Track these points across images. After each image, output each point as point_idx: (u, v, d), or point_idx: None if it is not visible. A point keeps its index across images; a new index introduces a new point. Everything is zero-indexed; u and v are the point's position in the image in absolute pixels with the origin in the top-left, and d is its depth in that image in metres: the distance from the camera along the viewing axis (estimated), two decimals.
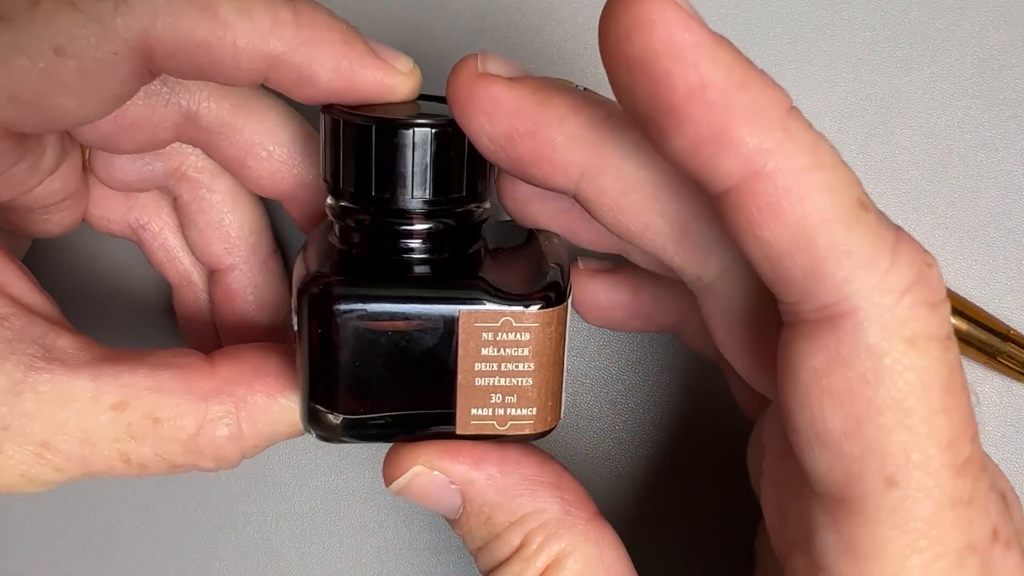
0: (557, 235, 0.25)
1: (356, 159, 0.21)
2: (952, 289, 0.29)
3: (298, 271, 0.22)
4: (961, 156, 0.29)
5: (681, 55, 0.15)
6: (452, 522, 0.23)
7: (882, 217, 0.17)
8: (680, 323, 0.26)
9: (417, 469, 0.21)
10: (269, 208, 0.29)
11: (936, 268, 0.17)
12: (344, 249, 0.22)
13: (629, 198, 0.20)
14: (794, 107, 0.16)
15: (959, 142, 0.29)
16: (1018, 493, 0.30)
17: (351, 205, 0.22)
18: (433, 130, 0.21)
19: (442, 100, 0.23)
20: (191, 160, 0.26)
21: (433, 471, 0.21)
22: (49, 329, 0.22)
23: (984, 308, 0.29)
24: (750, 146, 0.16)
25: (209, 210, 0.27)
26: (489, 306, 0.20)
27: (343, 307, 0.20)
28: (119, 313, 0.31)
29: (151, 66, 0.21)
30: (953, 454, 0.17)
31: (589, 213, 0.20)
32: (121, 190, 0.27)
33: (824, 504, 0.18)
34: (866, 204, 0.16)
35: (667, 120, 0.16)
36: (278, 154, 0.25)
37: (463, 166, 0.21)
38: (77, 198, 0.26)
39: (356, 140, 0.21)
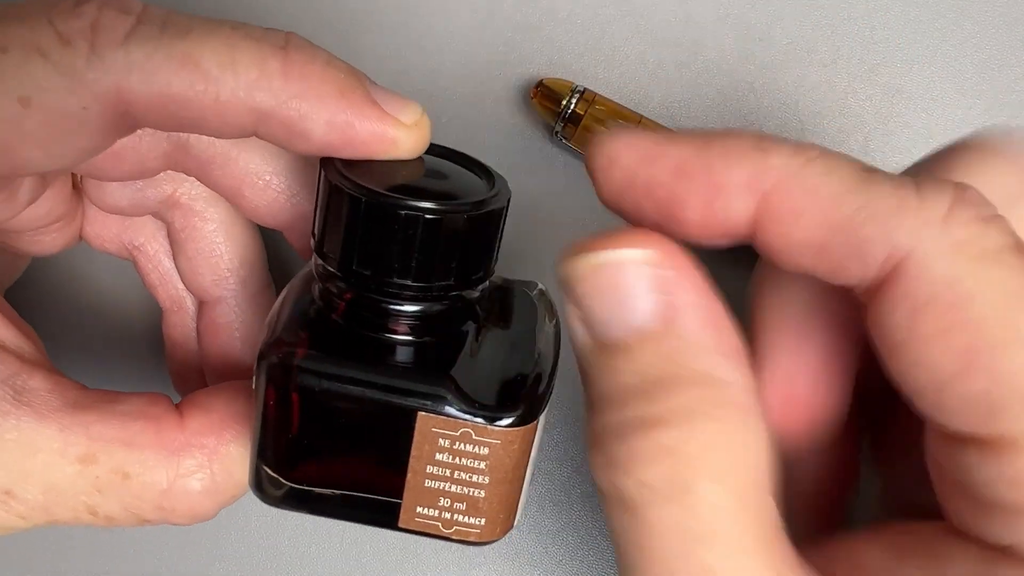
0: (556, 317, 0.23)
1: (342, 228, 0.20)
2: None
3: (270, 319, 0.20)
4: None
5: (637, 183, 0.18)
6: (590, 343, 0.18)
7: (894, 175, 0.17)
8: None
9: (645, 255, 0.17)
10: (270, 236, 0.28)
11: (973, 188, 0.16)
12: (321, 310, 0.21)
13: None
14: (763, 136, 0.17)
15: None
16: None
17: (333, 271, 0.20)
18: (425, 215, 0.19)
19: (452, 155, 0.22)
20: (185, 187, 0.25)
21: (660, 266, 0.17)
22: (20, 369, 0.21)
23: None
24: (739, 179, 0.17)
25: (200, 239, 0.26)
26: (450, 412, 0.19)
27: (302, 381, 0.19)
28: (114, 331, 0.31)
29: (127, 120, 0.19)
30: None
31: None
32: (114, 213, 0.26)
33: (976, 446, 0.17)
34: (871, 169, 0.17)
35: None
36: (275, 184, 0.24)
37: (455, 253, 0.20)
38: (69, 219, 0.25)
39: (344, 208, 0.19)
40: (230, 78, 0.19)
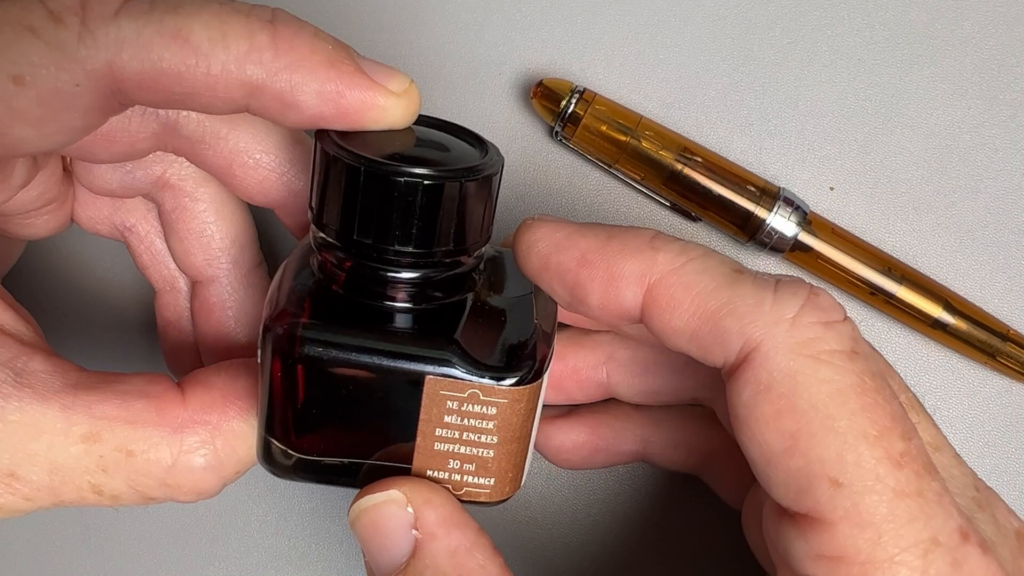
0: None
1: (341, 197, 0.20)
2: (952, 289, 0.29)
3: (271, 294, 0.21)
4: (961, 156, 0.29)
5: (551, 258, 0.21)
6: (372, 564, 0.21)
7: (760, 275, 0.20)
8: (644, 448, 0.27)
9: (394, 494, 0.20)
10: (260, 213, 0.28)
11: (825, 295, 0.19)
12: (321, 282, 0.21)
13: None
14: (656, 234, 0.20)
15: (959, 142, 0.29)
16: (1018, 491, 0.30)
17: (332, 241, 0.20)
18: (424, 182, 0.19)
19: (443, 125, 0.22)
20: (175, 168, 0.25)
21: (407, 506, 0.20)
22: (20, 351, 0.21)
23: (984, 308, 0.29)
24: (631, 271, 0.20)
25: (191, 219, 0.26)
26: (458, 374, 0.19)
27: (307, 351, 0.19)
28: (107, 314, 0.31)
29: (119, 97, 0.19)
30: (884, 447, 0.18)
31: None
32: (104, 195, 0.26)
33: (793, 520, 0.19)
34: (740, 269, 0.20)
35: (579, 285, 0.21)
36: (265, 161, 0.24)
37: (453, 218, 0.20)
38: (60, 203, 0.25)
39: (342, 178, 0.20)
40: (220, 52, 0.19)
